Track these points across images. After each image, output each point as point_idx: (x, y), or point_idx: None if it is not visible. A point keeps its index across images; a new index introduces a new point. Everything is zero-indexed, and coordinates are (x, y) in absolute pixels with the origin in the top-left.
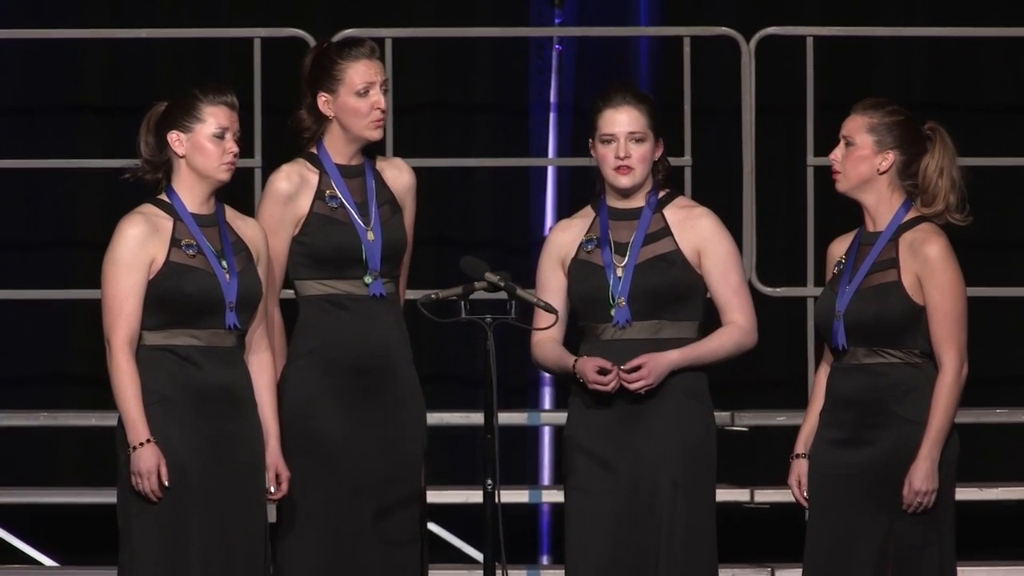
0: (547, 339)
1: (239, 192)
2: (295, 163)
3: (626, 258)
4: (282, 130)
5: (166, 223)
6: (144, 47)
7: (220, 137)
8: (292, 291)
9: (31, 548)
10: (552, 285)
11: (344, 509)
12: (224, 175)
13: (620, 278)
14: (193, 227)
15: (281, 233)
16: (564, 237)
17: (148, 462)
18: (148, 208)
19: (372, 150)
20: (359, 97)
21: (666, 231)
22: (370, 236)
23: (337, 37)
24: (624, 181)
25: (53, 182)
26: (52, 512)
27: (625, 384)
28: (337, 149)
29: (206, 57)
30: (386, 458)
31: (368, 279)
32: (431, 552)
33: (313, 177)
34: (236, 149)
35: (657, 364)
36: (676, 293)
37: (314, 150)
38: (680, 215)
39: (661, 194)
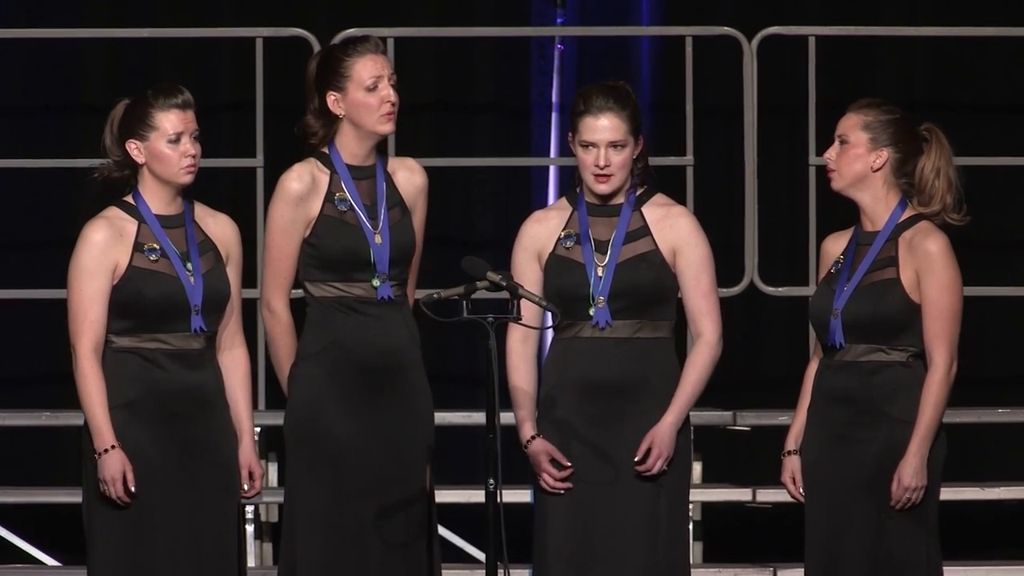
0: (524, 367)
1: (242, 192)
2: (307, 163)
3: (607, 256)
4: (284, 130)
5: (130, 227)
6: (145, 47)
7: (175, 142)
8: (301, 290)
9: (33, 548)
10: (528, 278)
11: (350, 509)
12: (185, 178)
13: (601, 277)
14: (157, 230)
15: (292, 233)
16: (540, 229)
17: (113, 468)
18: (113, 212)
19: (384, 150)
20: (368, 92)
21: (645, 230)
22: (378, 239)
23: (339, 37)
24: (603, 188)
25: (53, 182)
26: (54, 512)
27: (645, 471)
28: (349, 149)
29: (207, 57)
30: (392, 458)
31: (376, 282)
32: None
33: (324, 178)
34: (195, 150)
35: (663, 438)
36: (656, 294)
37: (326, 150)
38: (658, 214)
39: (639, 191)
